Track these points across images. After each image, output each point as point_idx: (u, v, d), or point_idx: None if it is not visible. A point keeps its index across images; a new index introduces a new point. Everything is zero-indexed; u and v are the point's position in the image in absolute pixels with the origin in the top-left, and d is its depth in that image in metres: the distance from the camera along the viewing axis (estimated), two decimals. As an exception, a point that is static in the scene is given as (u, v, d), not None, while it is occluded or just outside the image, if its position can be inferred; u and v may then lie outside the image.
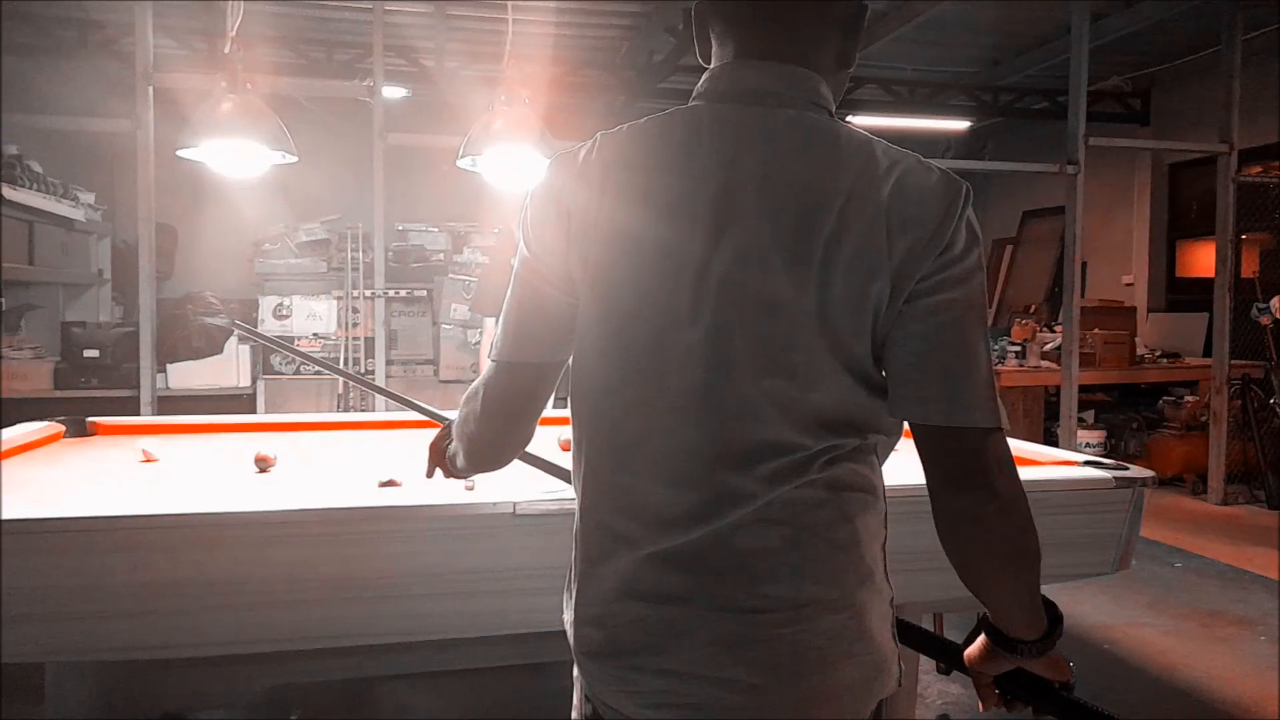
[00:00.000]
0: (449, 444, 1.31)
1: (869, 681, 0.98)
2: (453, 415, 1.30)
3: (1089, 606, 3.73)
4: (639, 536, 0.97)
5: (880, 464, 1.04)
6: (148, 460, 2.38)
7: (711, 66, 1.06)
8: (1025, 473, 2.23)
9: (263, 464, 2.26)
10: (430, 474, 1.40)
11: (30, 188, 4.93)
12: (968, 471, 0.94)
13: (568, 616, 1.05)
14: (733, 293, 0.94)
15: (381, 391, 1.98)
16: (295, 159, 2.81)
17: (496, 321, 1.13)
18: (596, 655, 1.00)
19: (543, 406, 1.14)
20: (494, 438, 1.17)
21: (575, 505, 1.06)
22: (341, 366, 5.13)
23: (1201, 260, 7.36)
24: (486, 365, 1.13)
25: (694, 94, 1.05)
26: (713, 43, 1.06)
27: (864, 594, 0.97)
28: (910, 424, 0.97)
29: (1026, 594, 0.99)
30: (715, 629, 0.94)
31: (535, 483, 1.79)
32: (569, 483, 1.12)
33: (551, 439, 2.63)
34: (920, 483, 0.98)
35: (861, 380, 0.96)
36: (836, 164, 0.95)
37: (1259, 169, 6.27)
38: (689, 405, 0.95)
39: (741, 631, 0.93)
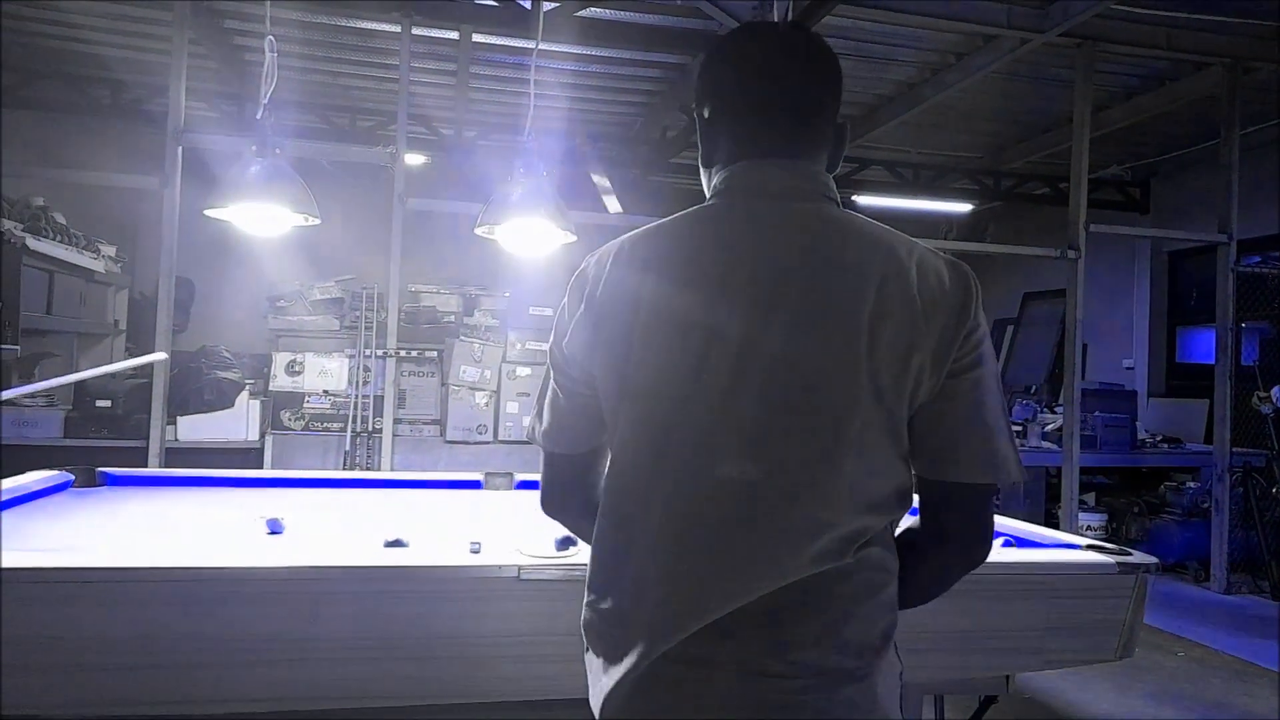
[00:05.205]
0: None
1: None
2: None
3: (1092, 694, 3.68)
4: (682, 609, 0.99)
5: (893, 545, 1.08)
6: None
7: (727, 167, 1.12)
8: (1028, 555, 2.24)
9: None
10: None
11: (53, 239, 5.04)
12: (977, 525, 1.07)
13: (605, 682, 1.04)
14: (783, 372, 0.99)
15: None
16: (318, 221, 2.89)
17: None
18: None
19: (595, 485, 1.18)
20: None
21: (592, 578, 1.09)
22: (351, 423, 5.22)
23: (1201, 346, 7.43)
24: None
25: (712, 192, 1.12)
26: (719, 145, 1.13)
27: (881, 665, 1.00)
28: (945, 483, 1.05)
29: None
30: (746, 693, 0.96)
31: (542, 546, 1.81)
32: None
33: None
34: None
35: (902, 452, 1.03)
36: (865, 249, 1.03)
37: (1258, 258, 6.37)
38: (741, 486, 0.99)
39: (770, 697, 0.96)
